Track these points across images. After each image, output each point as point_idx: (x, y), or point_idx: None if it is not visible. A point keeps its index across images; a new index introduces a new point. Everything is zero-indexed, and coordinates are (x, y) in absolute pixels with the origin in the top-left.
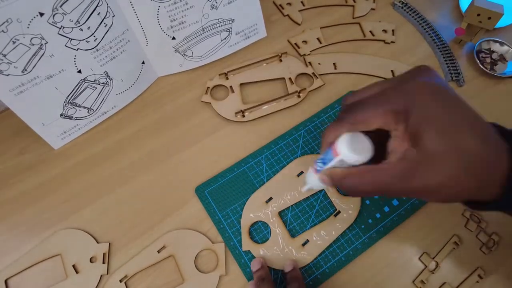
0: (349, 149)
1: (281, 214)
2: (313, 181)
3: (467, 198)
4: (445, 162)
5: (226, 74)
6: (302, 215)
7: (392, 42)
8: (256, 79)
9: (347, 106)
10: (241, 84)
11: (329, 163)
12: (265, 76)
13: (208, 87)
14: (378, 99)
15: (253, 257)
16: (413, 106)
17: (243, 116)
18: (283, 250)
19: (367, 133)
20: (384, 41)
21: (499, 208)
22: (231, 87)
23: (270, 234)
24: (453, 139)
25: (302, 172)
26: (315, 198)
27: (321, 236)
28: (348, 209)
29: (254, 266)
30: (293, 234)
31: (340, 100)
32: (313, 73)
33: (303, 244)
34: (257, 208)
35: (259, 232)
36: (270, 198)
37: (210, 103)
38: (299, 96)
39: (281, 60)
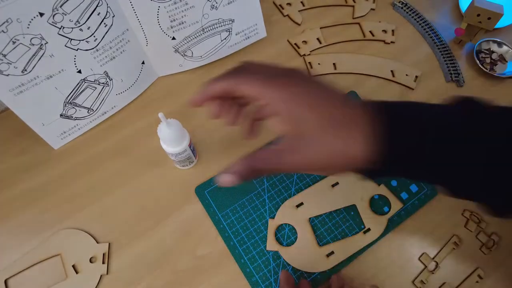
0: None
1: (312, 222)
2: None
3: (345, 163)
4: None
5: None
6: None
7: (392, 42)
8: None
9: (235, 68)
10: None
11: None
12: None
13: None
14: (262, 73)
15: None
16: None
17: None
18: (308, 256)
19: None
20: (384, 41)
21: (384, 173)
22: None
23: (296, 238)
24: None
25: (337, 183)
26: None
27: (345, 250)
28: (376, 227)
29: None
30: (320, 242)
31: None
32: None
33: (328, 255)
34: (287, 212)
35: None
36: (301, 204)
37: None
38: None
39: None
